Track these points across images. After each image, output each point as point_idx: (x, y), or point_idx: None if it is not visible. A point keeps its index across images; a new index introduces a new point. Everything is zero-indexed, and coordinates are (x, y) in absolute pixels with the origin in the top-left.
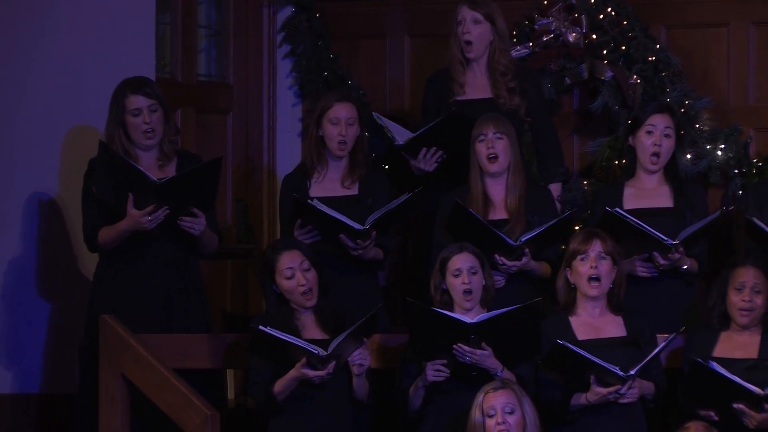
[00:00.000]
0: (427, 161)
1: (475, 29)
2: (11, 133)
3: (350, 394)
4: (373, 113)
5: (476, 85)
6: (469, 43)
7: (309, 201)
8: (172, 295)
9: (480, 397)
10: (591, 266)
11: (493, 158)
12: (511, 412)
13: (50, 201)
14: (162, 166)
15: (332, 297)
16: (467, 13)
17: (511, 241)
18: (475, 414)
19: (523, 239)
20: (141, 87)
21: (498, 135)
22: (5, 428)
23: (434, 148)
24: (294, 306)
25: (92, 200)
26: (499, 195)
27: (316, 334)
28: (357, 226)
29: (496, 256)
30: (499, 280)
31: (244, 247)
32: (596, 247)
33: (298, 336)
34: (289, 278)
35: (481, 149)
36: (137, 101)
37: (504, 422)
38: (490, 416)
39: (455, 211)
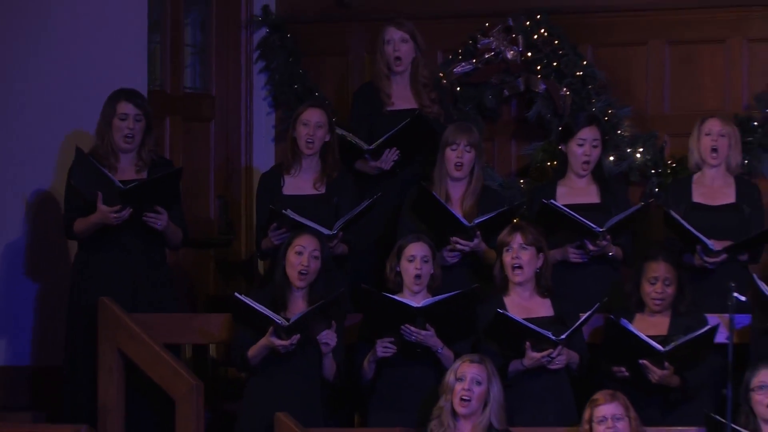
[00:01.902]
0: (386, 161)
1: (403, 47)
2: (11, 135)
3: (319, 369)
4: (337, 129)
5: (402, 97)
6: (398, 59)
7: (283, 211)
8: (138, 280)
9: (457, 363)
10: (513, 257)
11: (459, 166)
12: (479, 384)
13: (44, 195)
14: (138, 171)
15: (329, 289)
16: (395, 33)
17: (465, 222)
18: (450, 377)
19: (476, 222)
20: (133, 97)
21: (468, 148)
22: (24, 396)
23: (394, 148)
24: (290, 282)
25: (71, 194)
26: (457, 194)
27: (299, 306)
28: (326, 231)
29: (453, 238)
30: (454, 256)
31: (225, 237)
32: (517, 240)
33: (284, 308)
34: (297, 254)
35: (451, 156)
36: (127, 108)
37: (470, 390)
38: (460, 381)
39: (420, 194)
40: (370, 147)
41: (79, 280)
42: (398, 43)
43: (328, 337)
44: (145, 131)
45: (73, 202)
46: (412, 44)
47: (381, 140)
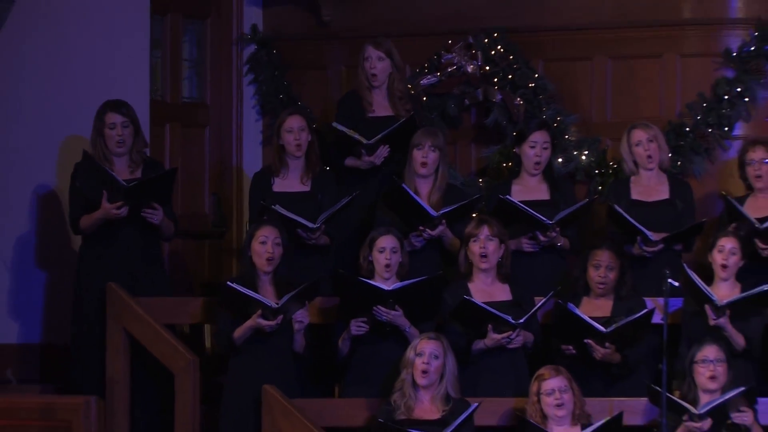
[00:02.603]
0: (379, 156)
1: (379, 64)
2: (19, 139)
3: (292, 345)
4: (333, 123)
5: (382, 105)
6: (374, 75)
7: (273, 206)
8: (136, 269)
9: (416, 341)
10: (481, 246)
11: (424, 164)
12: (436, 358)
13: (48, 193)
14: (132, 171)
15: (290, 271)
16: (373, 52)
17: (432, 211)
18: (410, 353)
19: (441, 212)
20: (118, 107)
21: (432, 148)
22: (14, 371)
23: (386, 145)
24: (257, 270)
25: (76, 194)
26: (424, 191)
27: (269, 294)
28: (310, 224)
29: (420, 226)
30: (420, 241)
31: (218, 230)
32: (485, 231)
33: (255, 290)
34: (261, 243)
35: (417, 156)
36: (114, 117)
37: (428, 363)
38: (419, 356)
39: (393, 187)
40: (370, 142)
41: (84, 269)
42: (375, 60)
43: (302, 316)
44: (134, 135)
45: (77, 202)
46: (388, 62)
47: (378, 137)
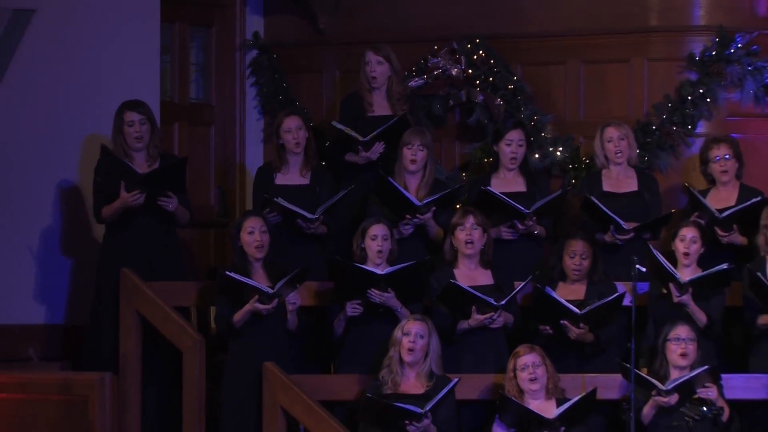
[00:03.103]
0: (374, 152)
1: (378, 68)
2: (43, 138)
3: (286, 326)
4: (333, 122)
5: (381, 105)
6: (374, 78)
7: (275, 199)
8: (153, 255)
9: (404, 321)
10: (467, 234)
11: (413, 162)
12: (422, 337)
13: (71, 187)
14: (150, 164)
15: (286, 257)
16: (372, 57)
17: (416, 201)
18: (397, 333)
19: (425, 202)
20: (136, 107)
21: (421, 147)
22: (40, 349)
23: (381, 142)
24: (249, 258)
25: (98, 188)
26: (413, 186)
27: (262, 279)
28: (309, 215)
29: (408, 215)
30: (408, 228)
31: (222, 220)
32: (470, 221)
33: (249, 276)
34: (249, 233)
35: (407, 153)
36: (132, 116)
37: (414, 342)
38: (406, 335)
39: (380, 181)
40: (366, 139)
41: (105, 255)
42: (375, 64)
43: (294, 298)
44: (151, 131)
45: (99, 195)
46: (387, 65)
47: (374, 134)
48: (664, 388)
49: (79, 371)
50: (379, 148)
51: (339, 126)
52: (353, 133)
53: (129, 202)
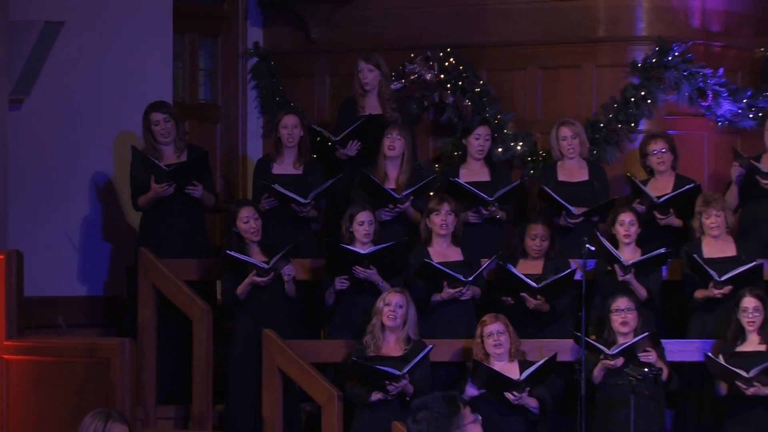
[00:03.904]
0: (351, 149)
1: (370, 75)
2: (78, 137)
3: (284, 294)
4: (312, 124)
5: (372, 107)
6: (366, 83)
7: (273, 185)
8: (183, 236)
9: (385, 293)
10: (442, 219)
11: (390, 148)
12: (401, 307)
13: (105, 180)
14: (178, 156)
15: (277, 237)
16: (364, 66)
17: (396, 195)
18: (379, 303)
19: (404, 194)
20: (159, 107)
21: (399, 136)
22: (83, 318)
23: (356, 140)
24: (246, 240)
25: (134, 181)
26: (393, 174)
27: (259, 257)
28: (302, 200)
29: (391, 204)
30: (388, 216)
31: (227, 205)
32: (445, 207)
33: (249, 256)
34: (245, 222)
35: (386, 142)
36: (156, 116)
37: (394, 311)
38: (387, 305)
39: (363, 177)
40: (337, 139)
41: (142, 237)
42: (366, 72)
43: (289, 270)
44: (175, 127)
45: (135, 187)
46: (377, 72)
47: (343, 134)
48: (610, 352)
49: (104, 337)
50: (355, 146)
51: (317, 128)
52: (328, 134)
53: (159, 193)
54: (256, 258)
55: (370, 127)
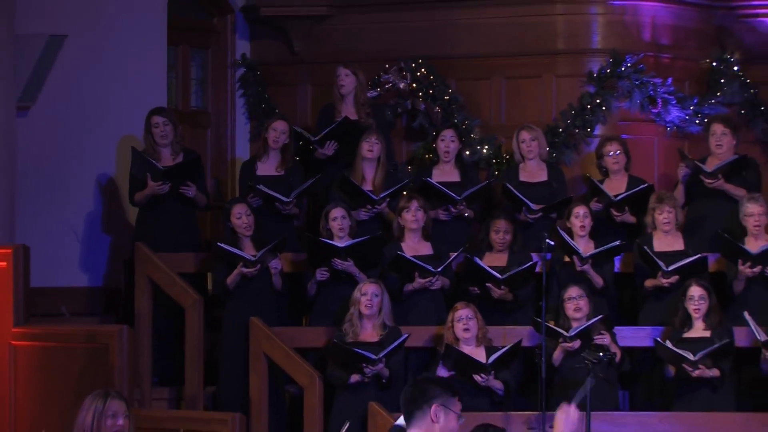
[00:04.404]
0: (328, 149)
1: (346, 79)
2: (83, 140)
3: (270, 285)
4: (294, 126)
5: (349, 111)
6: (342, 86)
7: (258, 186)
8: (176, 231)
9: (362, 284)
10: (412, 215)
11: (369, 151)
12: (376, 296)
13: (107, 180)
14: (174, 157)
15: (262, 233)
16: (342, 71)
17: (374, 197)
18: (356, 293)
19: (381, 195)
20: (160, 112)
21: (376, 141)
22: (84, 307)
23: (333, 141)
24: (239, 235)
25: (132, 179)
26: (369, 175)
27: (250, 250)
28: (285, 198)
29: (368, 205)
30: (365, 216)
31: (217, 203)
32: (414, 204)
33: (241, 250)
34: (238, 218)
35: (365, 146)
36: (157, 119)
37: (370, 300)
38: (364, 295)
39: (343, 180)
40: (315, 138)
41: (138, 232)
42: (344, 77)
43: (276, 263)
44: (174, 131)
45: (133, 185)
46: (353, 77)
47: (321, 134)
48: (568, 334)
49: (103, 324)
50: (332, 146)
51: (298, 130)
52: (307, 134)
53: (155, 190)
54: (248, 251)
55: (346, 130)
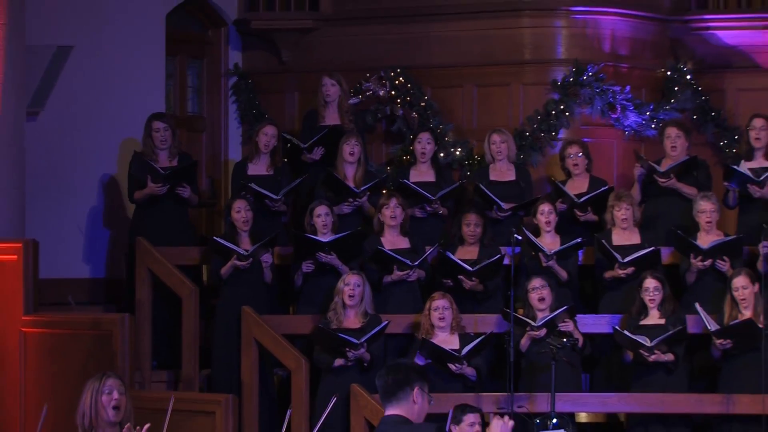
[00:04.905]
0: (316, 154)
1: (332, 88)
2: (88, 143)
3: (261, 277)
4: (283, 133)
5: (332, 117)
6: (328, 95)
7: (249, 184)
8: (171, 227)
9: (345, 275)
10: (391, 211)
11: (351, 153)
12: (359, 286)
13: (109, 179)
14: (171, 160)
15: (253, 228)
16: (327, 80)
17: (355, 189)
18: (340, 284)
19: (362, 189)
20: (160, 117)
21: (356, 143)
22: (88, 296)
23: (321, 147)
24: (237, 229)
25: (131, 179)
26: (350, 174)
27: (247, 245)
28: (274, 196)
29: (350, 199)
30: (348, 208)
31: (211, 201)
32: (393, 202)
33: (238, 245)
34: (237, 212)
35: (346, 148)
36: (157, 124)
37: (353, 290)
38: (347, 285)
39: (328, 175)
40: (305, 145)
41: (135, 227)
42: (329, 86)
43: (267, 257)
44: (172, 136)
45: (132, 184)
46: (338, 87)
47: (310, 142)
48: (535, 324)
49: (106, 313)
50: (319, 151)
51: (287, 136)
52: (297, 141)
53: (155, 191)
54: (245, 244)
55: (333, 138)
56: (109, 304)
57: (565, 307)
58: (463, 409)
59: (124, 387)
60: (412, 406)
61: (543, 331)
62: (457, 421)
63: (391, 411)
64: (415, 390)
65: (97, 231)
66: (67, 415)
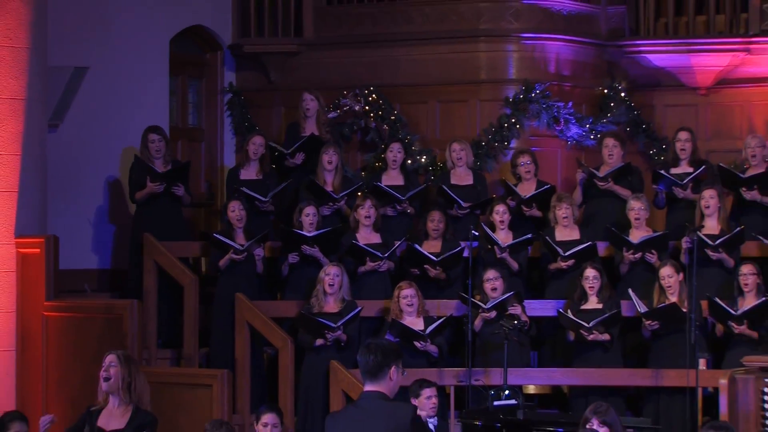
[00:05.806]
0: (298, 159)
1: (311, 103)
2: (95, 149)
3: (253, 268)
4: (270, 142)
5: (311, 129)
6: (308, 109)
7: (241, 188)
8: (168, 223)
9: (325, 266)
10: (366, 211)
11: (329, 162)
12: (337, 276)
13: (114, 180)
14: (165, 166)
15: (248, 225)
16: (307, 96)
17: (334, 195)
18: (321, 273)
19: (342, 194)
20: (156, 130)
21: (334, 153)
22: (94, 286)
23: (302, 153)
24: (233, 226)
25: (132, 180)
26: (329, 180)
27: (242, 240)
28: (263, 198)
29: (330, 203)
30: (327, 211)
31: (209, 201)
32: (368, 202)
33: (234, 241)
34: (233, 212)
35: (325, 157)
36: (153, 137)
37: (332, 279)
38: (327, 275)
39: (310, 182)
40: (288, 151)
41: (136, 224)
42: (309, 101)
43: (259, 252)
44: (166, 146)
45: (132, 184)
46: (316, 102)
47: (293, 148)
48: (485, 307)
49: (118, 299)
50: (300, 156)
51: (273, 144)
52: (280, 148)
53: (153, 189)
54: (240, 240)
55: (312, 144)
56: (114, 291)
57: (511, 293)
58: (420, 384)
59: (118, 361)
60: (389, 382)
61: (493, 313)
62: (416, 394)
63: (370, 387)
64: (392, 368)
65: (106, 226)
66: (82, 386)
